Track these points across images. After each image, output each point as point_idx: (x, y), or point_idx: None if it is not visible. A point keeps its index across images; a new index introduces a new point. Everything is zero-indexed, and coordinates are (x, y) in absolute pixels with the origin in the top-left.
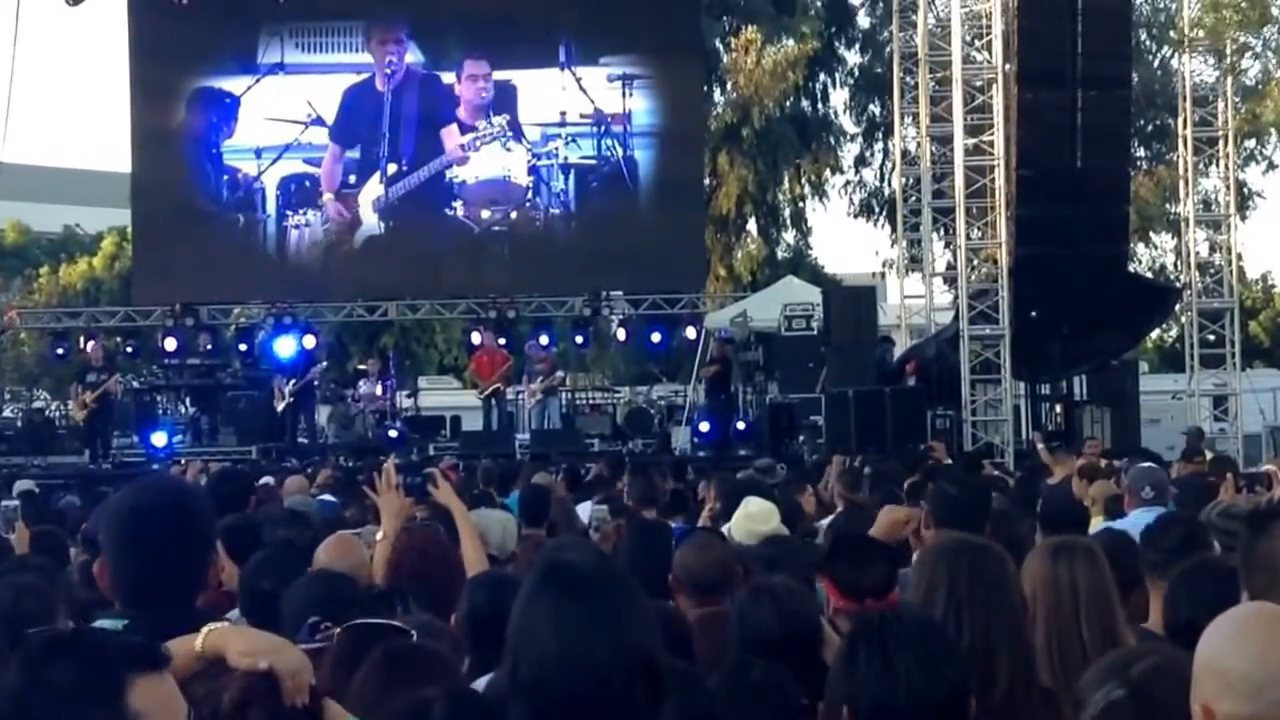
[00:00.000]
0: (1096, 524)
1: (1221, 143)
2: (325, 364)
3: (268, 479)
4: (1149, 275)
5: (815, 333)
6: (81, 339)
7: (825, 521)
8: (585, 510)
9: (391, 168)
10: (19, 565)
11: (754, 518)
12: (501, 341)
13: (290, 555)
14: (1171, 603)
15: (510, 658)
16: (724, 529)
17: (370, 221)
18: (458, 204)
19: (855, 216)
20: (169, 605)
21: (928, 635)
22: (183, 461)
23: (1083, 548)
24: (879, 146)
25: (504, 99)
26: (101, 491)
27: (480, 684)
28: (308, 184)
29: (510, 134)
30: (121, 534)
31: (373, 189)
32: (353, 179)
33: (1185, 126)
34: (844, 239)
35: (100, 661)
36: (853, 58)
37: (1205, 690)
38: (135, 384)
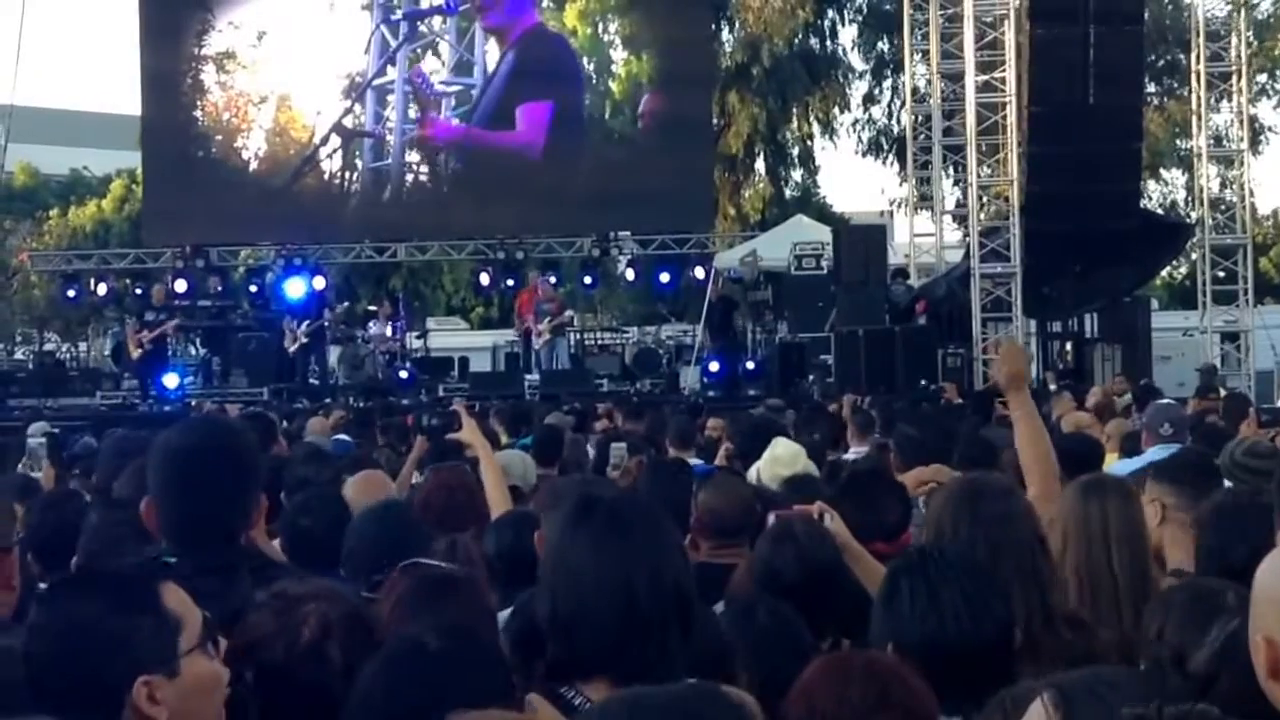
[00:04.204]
0: (1111, 461)
1: (1234, 78)
2: (347, 304)
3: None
4: (1160, 212)
5: (825, 272)
6: (93, 281)
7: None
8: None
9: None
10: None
11: (780, 460)
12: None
13: (331, 495)
14: (1205, 535)
15: (548, 594)
16: (752, 470)
17: (377, 160)
18: None
19: (864, 155)
20: (214, 543)
21: (973, 571)
22: (194, 403)
23: (1115, 484)
24: (888, 84)
25: None
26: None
27: (501, 617)
28: None
29: None
30: (168, 473)
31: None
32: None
33: (1197, 62)
34: (850, 178)
35: (133, 580)
36: None
37: (1267, 622)
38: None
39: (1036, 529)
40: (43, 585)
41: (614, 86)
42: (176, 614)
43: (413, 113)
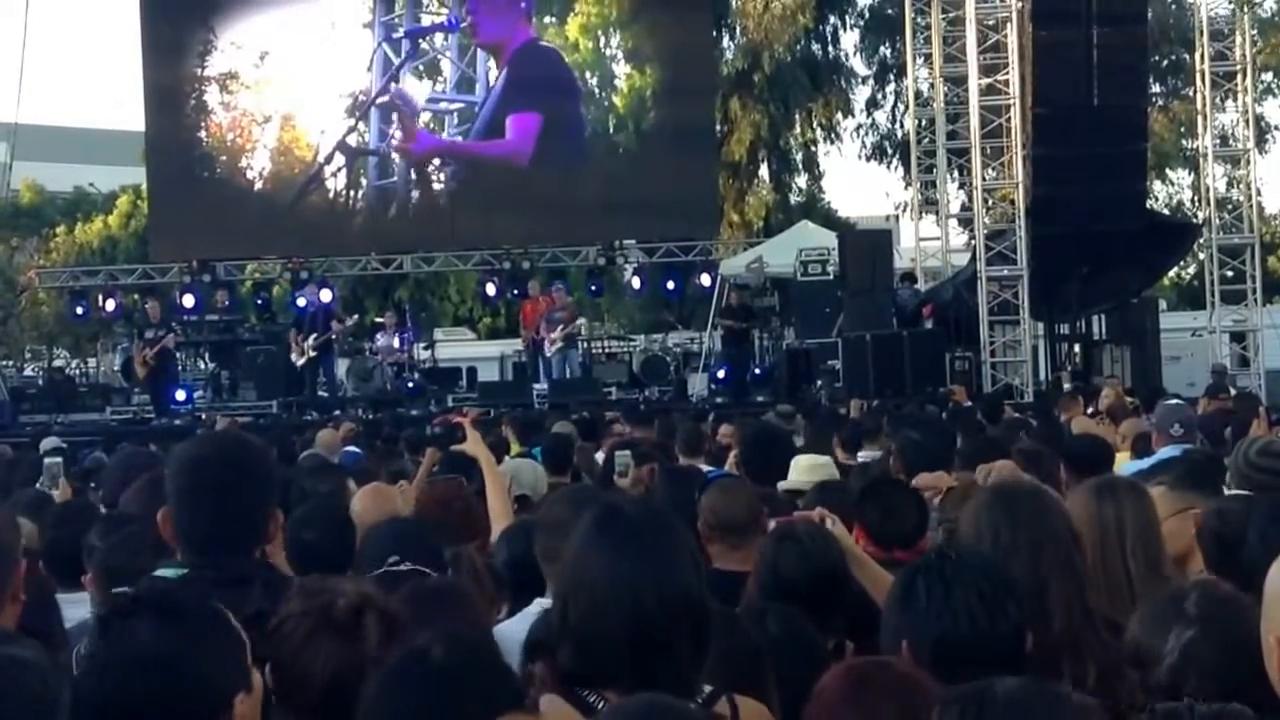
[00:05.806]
0: (1122, 461)
1: (1239, 77)
2: (356, 318)
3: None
4: (1166, 212)
5: (831, 277)
6: (101, 297)
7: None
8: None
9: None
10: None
11: (802, 469)
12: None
13: (333, 507)
14: (1207, 539)
15: (560, 600)
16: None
17: (382, 178)
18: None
19: (867, 160)
20: (229, 555)
21: (988, 572)
22: (203, 416)
23: (1127, 485)
24: (891, 89)
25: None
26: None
27: (509, 625)
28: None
29: None
30: (185, 484)
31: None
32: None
33: (1202, 61)
34: (855, 183)
35: (203, 606)
36: None
37: (1279, 624)
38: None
39: (1070, 525)
40: (61, 595)
41: (617, 101)
42: (240, 631)
43: (396, 131)
